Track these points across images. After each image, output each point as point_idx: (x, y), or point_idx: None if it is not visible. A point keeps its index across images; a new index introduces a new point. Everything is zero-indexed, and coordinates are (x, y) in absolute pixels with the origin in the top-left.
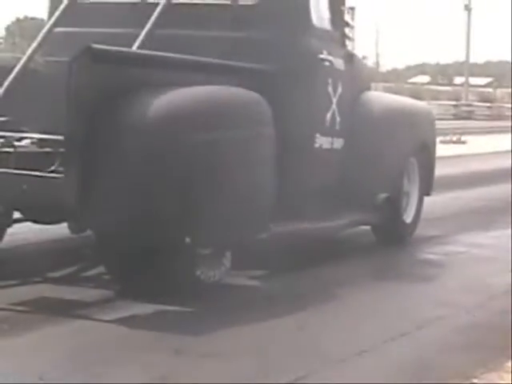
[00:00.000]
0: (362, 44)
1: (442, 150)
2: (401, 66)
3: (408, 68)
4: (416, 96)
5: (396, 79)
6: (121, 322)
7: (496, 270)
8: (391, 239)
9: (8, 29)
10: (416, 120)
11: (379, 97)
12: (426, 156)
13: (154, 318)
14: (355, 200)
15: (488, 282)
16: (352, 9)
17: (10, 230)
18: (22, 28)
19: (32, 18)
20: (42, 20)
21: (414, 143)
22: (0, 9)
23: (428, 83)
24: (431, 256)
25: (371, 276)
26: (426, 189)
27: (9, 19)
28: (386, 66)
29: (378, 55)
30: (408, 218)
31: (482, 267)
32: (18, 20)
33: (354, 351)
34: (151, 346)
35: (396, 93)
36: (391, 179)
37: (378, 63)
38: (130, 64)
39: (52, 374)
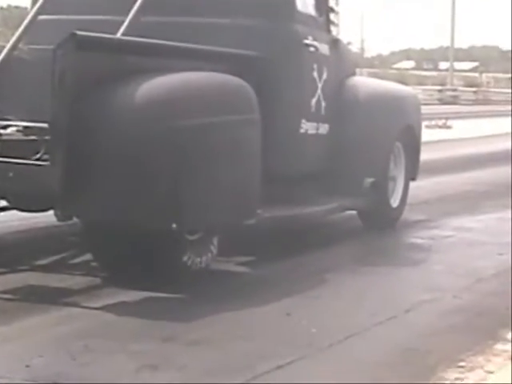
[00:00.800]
0: (347, 30)
1: (427, 134)
2: (385, 51)
3: (393, 53)
4: (401, 81)
5: (381, 65)
6: (108, 309)
7: (482, 254)
8: (378, 224)
9: None
10: (401, 104)
11: (364, 82)
12: (412, 140)
13: (142, 305)
14: (341, 185)
15: (475, 265)
16: None
17: None
18: (6, 17)
19: (16, 7)
20: (26, 8)
21: (399, 128)
22: None
23: (413, 68)
24: (418, 240)
25: (358, 261)
26: (412, 173)
27: None
28: (370, 51)
29: (362, 41)
30: (394, 202)
31: (469, 251)
32: (1, 9)
33: (342, 336)
34: (139, 334)
35: (381, 78)
36: (377, 164)
37: (362, 49)
38: (114, 51)
39: (39, 362)
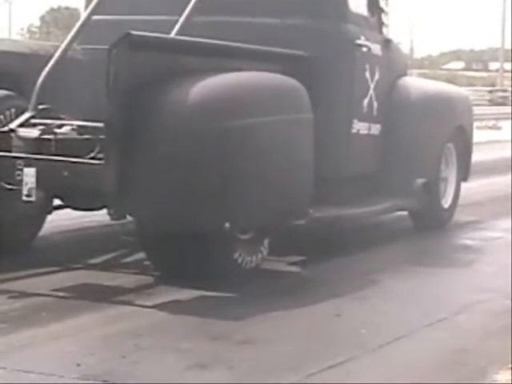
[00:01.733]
0: (396, 30)
1: (477, 135)
2: (435, 52)
3: (442, 54)
4: (451, 82)
5: (430, 65)
6: (160, 307)
7: None
8: (429, 224)
9: (42, 18)
10: (453, 105)
11: (416, 82)
12: (464, 141)
13: (193, 303)
14: (393, 185)
15: None
16: None
17: (50, 217)
18: (57, 17)
19: (66, 8)
20: (76, 9)
21: (451, 128)
22: None
23: (463, 69)
24: (468, 241)
25: (408, 261)
26: (464, 174)
27: (43, 9)
28: (420, 52)
29: (411, 41)
30: (446, 203)
31: None
32: (52, 10)
33: (392, 337)
34: (189, 332)
35: (431, 79)
36: (429, 164)
37: (412, 49)
38: (168, 50)
39: (90, 360)
